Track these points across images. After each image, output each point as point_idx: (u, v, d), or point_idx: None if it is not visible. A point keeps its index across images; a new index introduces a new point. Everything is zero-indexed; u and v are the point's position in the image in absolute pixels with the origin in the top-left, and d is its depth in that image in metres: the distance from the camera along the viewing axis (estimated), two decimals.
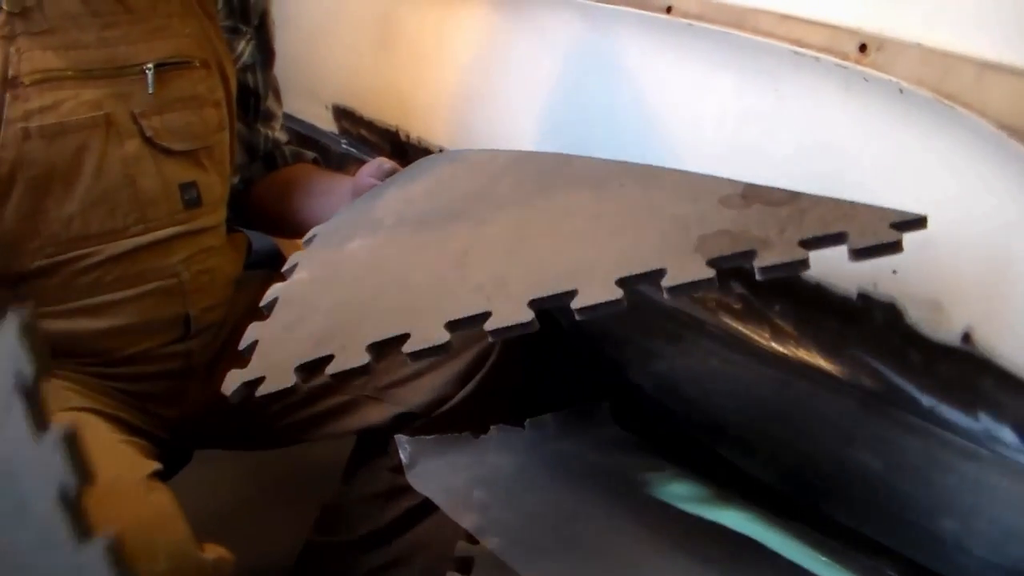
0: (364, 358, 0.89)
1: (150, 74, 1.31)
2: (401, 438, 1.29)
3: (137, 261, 1.31)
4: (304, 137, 2.18)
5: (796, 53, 1.12)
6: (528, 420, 1.39)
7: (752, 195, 0.96)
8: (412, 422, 1.42)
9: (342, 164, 2.05)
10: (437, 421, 1.42)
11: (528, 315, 0.87)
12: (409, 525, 1.46)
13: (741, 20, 1.18)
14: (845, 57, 1.07)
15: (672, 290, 0.86)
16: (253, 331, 1.00)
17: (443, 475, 1.27)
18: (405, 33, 1.87)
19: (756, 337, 1.24)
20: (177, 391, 1.40)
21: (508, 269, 0.96)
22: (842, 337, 1.13)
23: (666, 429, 1.42)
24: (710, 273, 0.86)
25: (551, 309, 0.89)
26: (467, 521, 1.17)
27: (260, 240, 1.64)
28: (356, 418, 1.44)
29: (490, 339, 0.89)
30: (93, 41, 1.28)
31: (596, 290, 0.87)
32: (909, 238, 0.83)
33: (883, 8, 1.05)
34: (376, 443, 1.47)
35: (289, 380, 0.90)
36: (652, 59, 1.34)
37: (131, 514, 1.07)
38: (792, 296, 1.18)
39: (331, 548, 1.51)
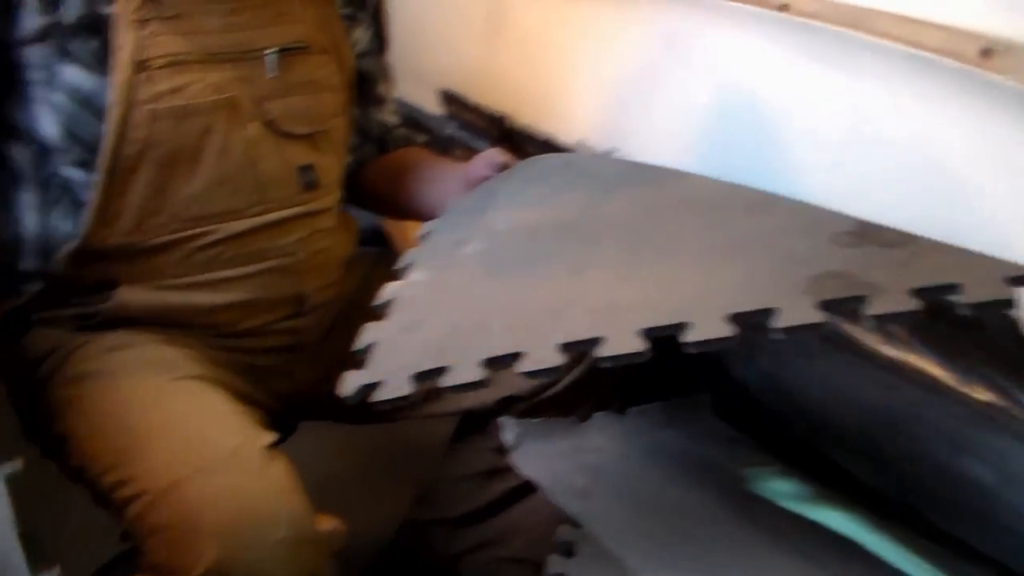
0: (478, 374, 0.90)
1: (272, 59, 1.34)
2: (506, 420, 1.31)
3: (255, 240, 1.34)
4: (411, 120, 2.20)
5: (913, 55, 1.11)
6: (631, 409, 1.40)
7: (865, 234, 0.96)
8: (516, 405, 1.44)
9: (448, 148, 2.08)
10: (540, 405, 1.44)
11: (640, 345, 0.88)
12: (507, 506, 1.48)
13: (857, 20, 1.18)
14: (965, 60, 1.05)
15: (782, 331, 0.86)
16: (370, 332, 1.02)
17: (546, 459, 1.29)
18: (515, 20, 1.88)
19: (866, 340, 1.23)
20: (288, 366, 1.43)
21: (622, 293, 0.97)
22: (955, 344, 1.13)
23: (767, 426, 1.42)
24: (820, 317, 0.86)
25: None
26: (570, 505, 1.18)
27: (364, 218, 1.67)
28: (461, 398, 1.46)
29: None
30: (218, 26, 1.30)
31: (708, 325, 0.87)
32: None
33: (1009, 11, 1.03)
34: (478, 423, 1.49)
35: (406, 388, 0.92)
36: (766, 56, 1.33)
37: (254, 483, 1.11)
38: None
39: (429, 525, 1.54)
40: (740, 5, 1.33)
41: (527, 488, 1.40)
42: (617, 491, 1.22)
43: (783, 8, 1.26)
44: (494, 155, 1.40)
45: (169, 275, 1.32)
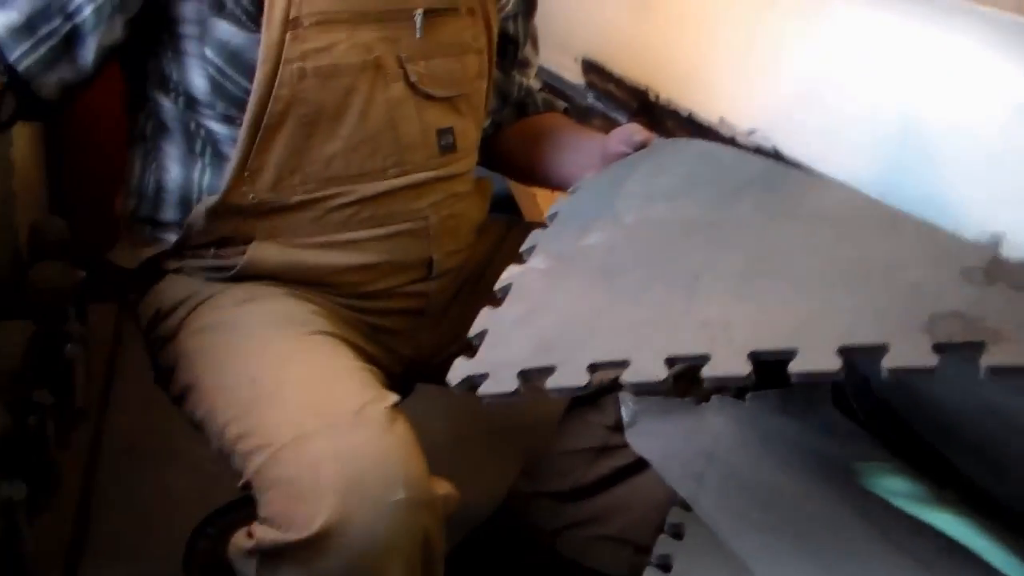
0: (584, 378, 0.89)
1: (419, 19, 1.34)
2: (625, 396, 1.29)
3: (390, 202, 1.35)
4: (550, 87, 2.18)
5: None
6: (750, 394, 1.37)
7: (996, 272, 0.92)
8: None
9: (587, 117, 2.05)
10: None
11: (745, 368, 0.86)
12: (614, 484, 1.47)
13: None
14: None
15: (892, 371, 0.83)
16: (484, 319, 1.02)
17: (662, 438, 1.28)
18: None
19: None
20: (412, 329, 1.44)
21: (735, 308, 0.95)
22: None
23: (886, 422, 1.38)
24: (933, 361, 0.82)
25: None
26: (682, 488, 1.16)
27: (495, 182, 1.66)
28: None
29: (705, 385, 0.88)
30: None
31: (817, 355, 0.85)
32: None
33: None
34: (593, 398, 1.48)
35: (511, 385, 0.91)
36: (918, 45, 1.29)
37: (376, 443, 1.12)
38: None
39: (534, 497, 1.54)
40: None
41: (636, 467, 1.39)
42: (731, 477, 1.20)
43: None
44: (633, 132, 1.38)
45: (303, 233, 1.34)
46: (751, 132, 1.55)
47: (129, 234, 1.42)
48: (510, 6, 1.55)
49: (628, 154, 1.36)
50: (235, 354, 1.25)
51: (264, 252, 1.32)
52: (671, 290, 1.01)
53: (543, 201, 2.06)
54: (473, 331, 1.00)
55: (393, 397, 1.20)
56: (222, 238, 1.33)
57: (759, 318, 0.93)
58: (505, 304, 1.04)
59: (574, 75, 2.14)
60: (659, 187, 1.23)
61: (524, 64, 1.63)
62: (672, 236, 1.12)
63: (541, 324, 1.00)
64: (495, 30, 1.47)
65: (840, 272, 0.98)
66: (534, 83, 1.65)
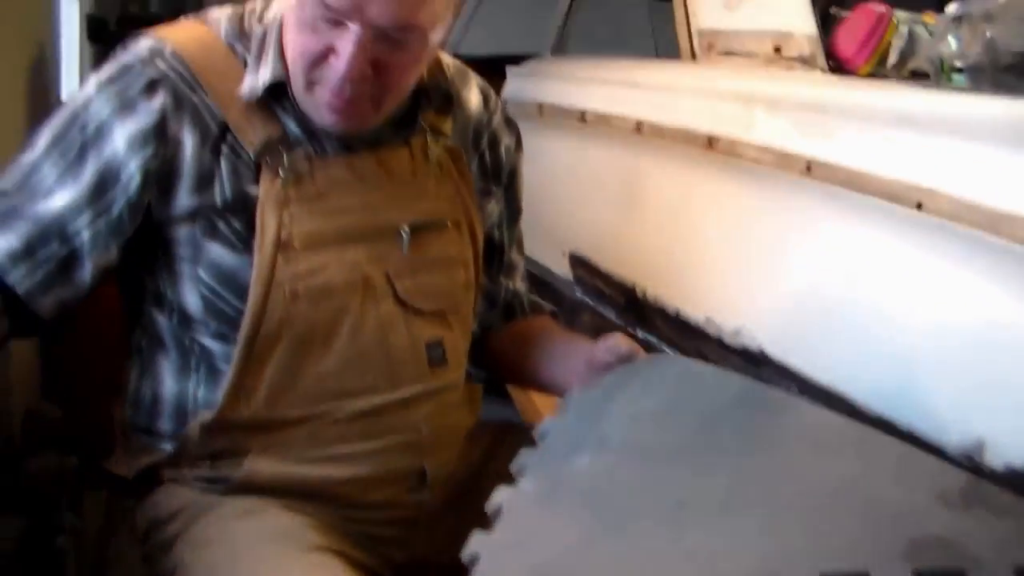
0: None
1: (406, 236, 1.37)
2: None
3: (382, 416, 1.36)
4: (539, 280, 2.23)
5: None
6: None
7: (974, 495, 0.94)
8: None
9: (575, 312, 2.10)
10: None
11: None
12: None
13: (994, 223, 1.17)
14: None
15: None
16: (477, 543, 1.02)
17: None
18: (650, 191, 1.92)
19: None
20: (406, 537, 1.44)
21: (718, 540, 0.96)
22: None
23: None
24: None
25: None
26: None
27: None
28: None
29: None
30: (357, 205, 1.35)
31: None
32: None
33: None
34: None
35: None
36: (900, 254, 1.33)
37: None
38: None
39: None
40: (876, 200, 1.33)
41: None
42: None
43: (918, 207, 1.27)
44: (619, 344, 1.40)
45: (298, 447, 1.35)
46: (737, 332, 1.59)
47: (126, 442, 1.44)
48: (495, 215, 1.59)
49: (613, 364, 1.39)
50: (233, 571, 1.25)
51: (259, 466, 1.33)
52: (657, 520, 1.02)
53: (537, 397, 2.09)
54: (465, 555, 1.01)
55: None
56: (218, 451, 1.34)
57: (741, 550, 0.94)
58: (497, 529, 1.05)
59: (563, 269, 2.19)
60: (644, 409, 1.25)
61: (510, 268, 1.66)
62: (658, 463, 1.13)
63: (532, 553, 1.00)
64: (480, 241, 1.51)
65: (819, 498, 1.00)
66: (521, 286, 1.69)
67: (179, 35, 1.34)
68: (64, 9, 4.62)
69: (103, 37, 5.14)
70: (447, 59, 1.51)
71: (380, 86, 1.27)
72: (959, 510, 0.92)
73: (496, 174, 1.58)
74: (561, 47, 2.78)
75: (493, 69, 2.84)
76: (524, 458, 1.17)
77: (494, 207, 1.58)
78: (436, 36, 1.30)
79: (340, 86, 1.24)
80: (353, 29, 1.20)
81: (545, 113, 2.40)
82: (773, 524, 0.97)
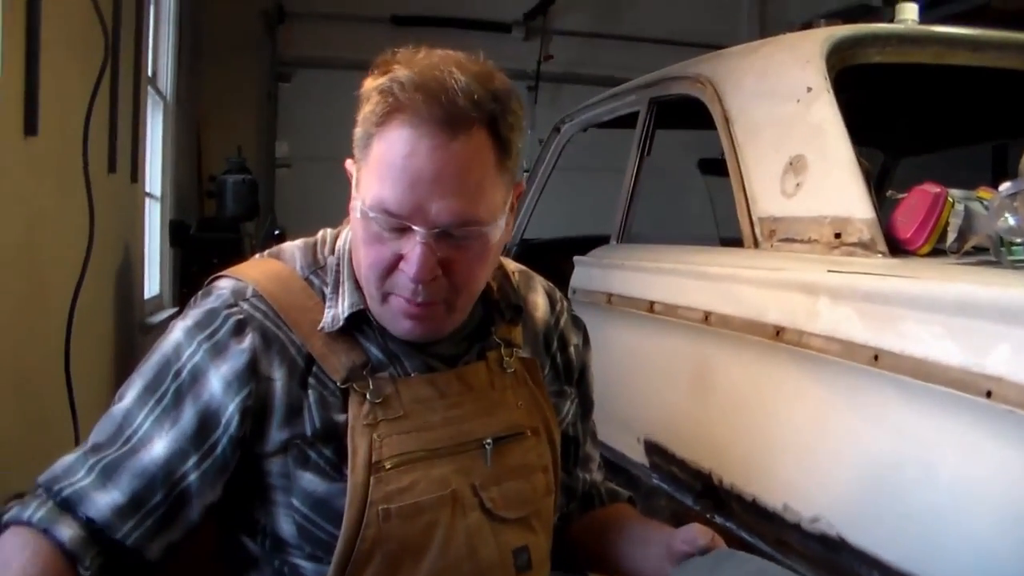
0: None
1: (489, 448, 1.41)
2: None
3: None
4: (614, 465, 2.26)
5: None
6: None
7: None
8: None
9: (651, 497, 2.12)
10: None
11: None
12: None
13: None
14: None
15: None
16: None
17: None
18: (722, 378, 1.95)
19: None
20: None
21: None
22: None
23: None
24: None
25: None
26: None
27: None
28: None
29: None
30: (440, 421, 1.38)
31: None
32: None
33: None
34: None
35: None
36: (971, 441, 1.35)
37: None
38: None
39: None
40: (946, 390, 1.36)
41: None
42: None
43: (988, 395, 1.29)
44: (698, 535, 1.41)
45: None
46: (815, 519, 1.60)
47: None
48: (570, 414, 1.63)
49: (692, 554, 1.40)
50: None
51: None
52: None
53: None
54: None
55: None
56: None
57: None
58: None
59: (638, 456, 2.22)
60: None
61: (587, 460, 1.69)
62: None
63: None
64: (558, 444, 1.54)
65: None
66: (597, 476, 1.71)
67: (258, 274, 1.39)
68: (149, 213, 4.81)
69: (184, 240, 5.35)
70: (512, 266, 1.57)
71: (450, 287, 1.32)
72: None
73: (568, 375, 1.62)
74: (626, 233, 2.84)
75: (559, 254, 2.93)
76: None
77: (569, 406, 1.62)
78: (498, 232, 1.34)
79: (413, 289, 1.29)
80: (418, 231, 1.26)
81: (614, 302, 2.46)
82: None
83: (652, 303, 2.23)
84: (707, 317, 1.98)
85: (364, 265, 1.32)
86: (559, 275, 2.76)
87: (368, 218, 1.27)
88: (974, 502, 1.34)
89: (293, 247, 1.44)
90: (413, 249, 1.26)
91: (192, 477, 1.30)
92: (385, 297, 1.33)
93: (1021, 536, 1.27)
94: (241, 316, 1.34)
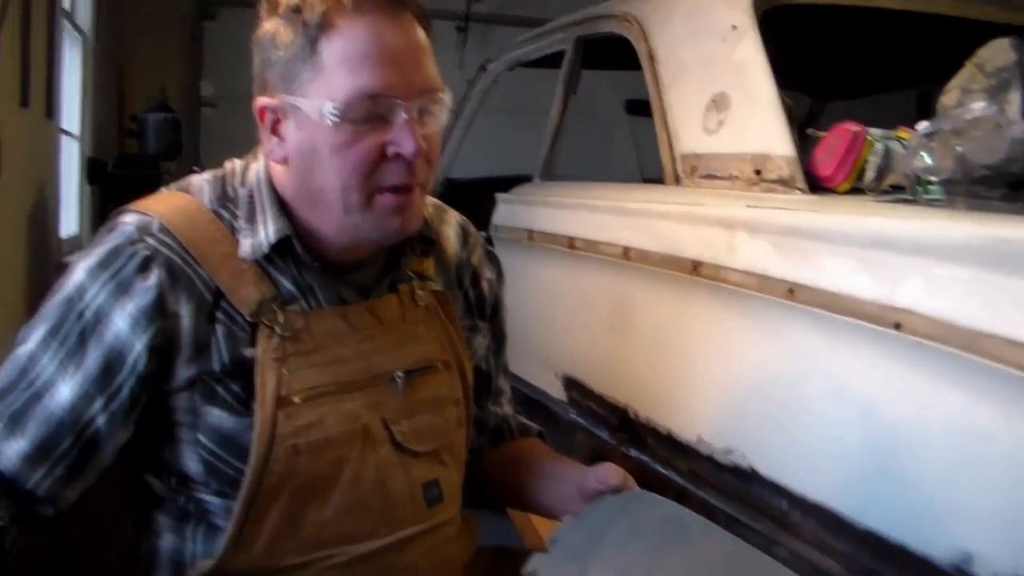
0: None
1: (400, 382, 1.40)
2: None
3: (382, 558, 1.37)
4: (533, 402, 2.26)
5: None
6: None
7: None
8: None
9: (569, 433, 2.12)
10: None
11: None
12: None
13: (971, 342, 1.21)
14: None
15: None
16: None
17: None
18: (639, 315, 1.96)
19: None
20: None
21: None
22: None
23: None
24: None
25: None
26: None
27: None
28: None
29: None
30: (351, 355, 1.37)
31: None
32: None
33: None
34: None
35: None
36: (879, 370, 1.37)
37: None
38: None
39: None
40: (856, 322, 1.37)
41: None
42: None
43: (896, 326, 1.31)
44: (610, 474, 1.41)
45: None
46: (728, 451, 1.61)
47: None
48: (482, 348, 1.62)
49: (604, 493, 1.41)
50: None
51: None
52: None
53: (535, 517, 2.10)
54: None
55: None
56: None
57: None
58: None
59: (557, 391, 2.22)
60: (631, 555, 1.29)
61: (498, 394, 1.68)
62: None
63: None
64: (470, 379, 1.54)
65: None
66: (508, 410, 1.70)
67: (164, 207, 1.35)
68: (65, 151, 4.71)
69: (101, 178, 5.24)
70: (427, 200, 1.54)
71: (425, 169, 1.33)
72: None
73: (481, 309, 1.61)
74: (550, 171, 2.83)
75: (484, 193, 2.91)
76: (535, 563, 1.20)
77: (481, 341, 1.61)
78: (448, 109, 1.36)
79: (408, 171, 1.29)
80: (404, 107, 1.26)
81: (535, 238, 2.46)
82: None
83: (572, 239, 2.22)
84: (626, 252, 1.98)
85: (343, 172, 1.29)
86: (484, 215, 2.75)
87: (342, 121, 1.26)
88: (884, 432, 1.36)
89: (201, 180, 1.41)
90: (402, 127, 1.26)
91: (100, 420, 1.27)
92: (370, 200, 1.30)
93: (930, 464, 1.29)
94: (147, 252, 1.30)
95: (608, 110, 4.48)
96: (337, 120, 1.26)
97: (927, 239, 1.35)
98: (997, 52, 1.64)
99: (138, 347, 1.28)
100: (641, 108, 2.39)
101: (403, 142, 1.27)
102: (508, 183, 2.96)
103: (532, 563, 1.29)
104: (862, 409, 1.40)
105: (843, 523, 1.40)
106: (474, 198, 2.62)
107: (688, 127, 2.09)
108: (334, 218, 1.32)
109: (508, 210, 2.79)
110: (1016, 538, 1.16)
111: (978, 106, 1.62)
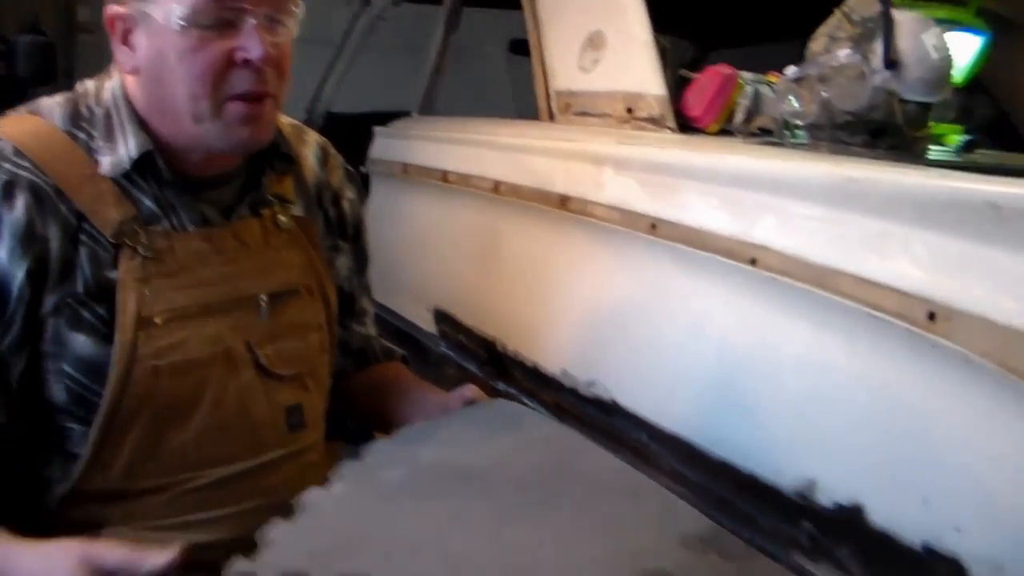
0: None
1: (264, 305, 1.40)
2: None
3: (244, 481, 1.37)
4: (405, 335, 2.27)
5: (871, 315, 1.18)
6: None
7: (713, 541, 1.07)
8: None
9: (440, 365, 2.13)
10: None
11: None
12: None
13: (821, 278, 1.25)
14: (915, 323, 1.12)
15: None
16: (274, 529, 1.10)
17: None
18: (508, 250, 1.97)
19: None
20: None
21: (481, 550, 1.08)
22: None
23: None
24: None
25: None
26: None
27: None
28: None
29: None
30: (216, 277, 1.36)
31: None
32: (972, 498, 0.92)
33: (952, 279, 1.10)
34: None
35: None
36: (735, 305, 1.40)
37: None
38: (859, 541, 1.20)
39: None
40: (713, 256, 1.40)
41: None
42: None
43: (752, 262, 1.34)
44: (468, 394, 1.44)
45: (157, 516, 1.34)
46: (591, 383, 1.64)
47: None
48: (345, 269, 1.62)
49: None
50: None
51: (119, 536, 1.32)
52: (430, 527, 1.13)
53: None
54: (259, 535, 1.09)
55: None
56: (75, 522, 1.31)
57: (504, 560, 1.07)
58: (296, 520, 1.13)
59: (428, 324, 2.23)
60: (461, 439, 1.32)
61: (361, 314, 1.69)
62: (450, 481, 1.23)
63: (316, 541, 1.09)
64: (334, 303, 1.54)
65: (580, 528, 1.12)
66: (372, 330, 1.71)
67: (15, 131, 1.32)
68: None
69: None
70: (284, 119, 1.54)
71: (276, 79, 1.31)
72: (696, 551, 1.05)
73: (342, 230, 1.61)
74: (428, 107, 2.82)
75: (365, 128, 2.89)
76: (344, 468, 1.22)
77: (343, 261, 1.61)
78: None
79: (257, 78, 1.27)
80: (250, 12, 1.25)
81: (410, 172, 2.45)
82: (532, 545, 1.09)
83: (446, 173, 2.22)
84: (497, 187, 1.99)
85: (190, 79, 1.27)
86: (364, 149, 2.74)
87: (189, 26, 1.24)
88: (738, 365, 1.39)
89: (52, 102, 1.38)
90: (250, 33, 1.26)
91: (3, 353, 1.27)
92: (219, 108, 1.29)
93: (779, 396, 1.32)
94: (6, 177, 1.27)
95: (495, 51, 4.46)
96: (184, 24, 1.24)
97: (783, 177, 1.38)
98: (864, 1, 1.68)
99: (19, 275, 1.26)
100: (525, 48, 2.39)
101: (250, 47, 1.26)
102: (389, 118, 2.95)
103: (371, 445, 1.31)
104: (718, 342, 1.43)
105: (697, 454, 1.43)
106: (355, 132, 2.60)
107: (564, 65, 2.10)
108: (186, 128, 1.31)
109: (385, 144, 2.77)
110: (855, 466, 1.20)
111: (843, 53, 1.66)
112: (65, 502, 1.32)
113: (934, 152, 1.76)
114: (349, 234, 1.63)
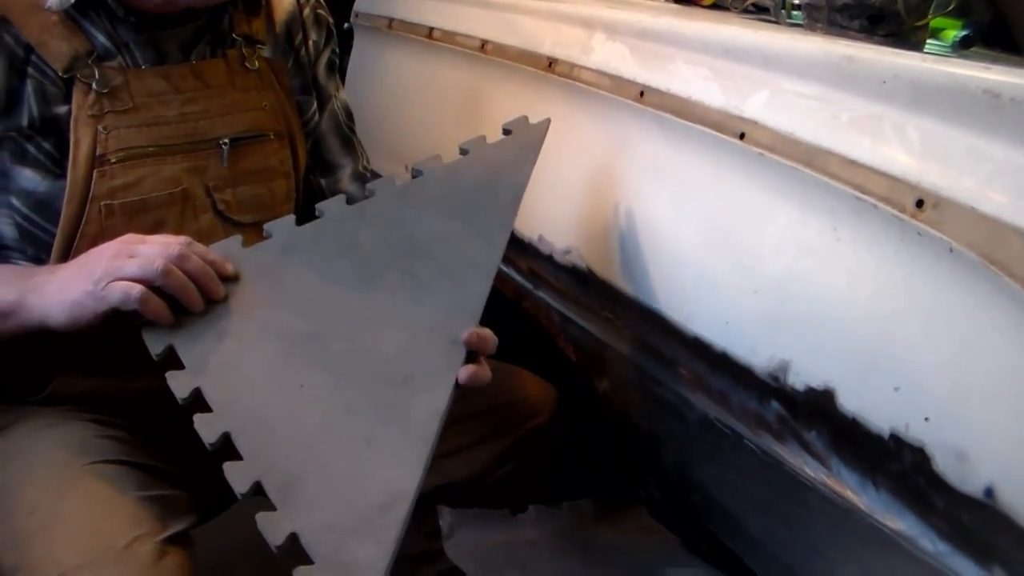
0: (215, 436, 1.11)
1: (225, 148, 1.37)
2: (443, 508, 1.34)
3: None
4: None
5: (857, 198, 1.16)
6: (565, 503, 1.43)
7: None
8: (452, 493, 1.46)
9: None
10: (476, 495, 1.46)
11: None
12: None
13: (810, 158, 1.23)
14: (902, 209, 1.10)
15: None
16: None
17: (479, 548, 1.33)
18: (492, 111, 1.93)
19: (789, 458, 1.27)
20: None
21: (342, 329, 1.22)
22: (870, 471, 1.16)
23: (694, 528, 1.46)
24: None
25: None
26: None
27: None
28: None
29: None
30: (174, 117, 1.33)
31: None
32: (942, 389, 0.91)
33: (942, 167, 1.08)
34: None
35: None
36: (721, 179, 1.38)
37: None
38: (828, 425, 1.21)
39: None
40: (701, 128, 1.38)
41: (455, 574, 1.42)
42: None
43: (741, 137, 1.32)
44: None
45: (106, 358, 1.33)
46: (567, 251, 1.63)
47: None
48: (316, 116, 1.59)
49: None
50: (18, 483, 1.24)
51: (67, 378, 1.32)
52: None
53: None
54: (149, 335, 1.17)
55: (171, 527, 1.20)
56: (26, 366, 1.32)
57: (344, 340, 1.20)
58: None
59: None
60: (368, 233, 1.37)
61: (334, 168, 1.65)
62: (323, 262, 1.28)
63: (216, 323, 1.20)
64: (302, 153, 1.50)
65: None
66: (348, 187, 1.67)
67: None
68: None
69: None
70: None
71: None
72: None
73: (314, 71, 1.58)
74: None
75: None
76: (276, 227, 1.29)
77: (315, 106, 1.58)
78: None
79: None
80: None
81: (395, 27, 2.39)
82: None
83: (431, 29, 2.17)
84: (484, 45, 1.95)
85: None
86: (350, 2, 2.67)
87: None
88: (720, 240, 1.38)
89: None
90: None
91: None
92: None
93: (759, 273, 1.31)
94: None
95: None
96: None
97: (778, 52, 1.35)
98: None
99: None
100: None
101: None
102: None
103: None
104: (701, 216, 1.41)
105: (671, 328, 1.43)
106: None
107: None
108: None
109: None
110: (829, 350, 1.20)
111: None
112: (15, 343, 1.29)
113: (931, 44, 1.73)
114: (308, 78, 1.59)
